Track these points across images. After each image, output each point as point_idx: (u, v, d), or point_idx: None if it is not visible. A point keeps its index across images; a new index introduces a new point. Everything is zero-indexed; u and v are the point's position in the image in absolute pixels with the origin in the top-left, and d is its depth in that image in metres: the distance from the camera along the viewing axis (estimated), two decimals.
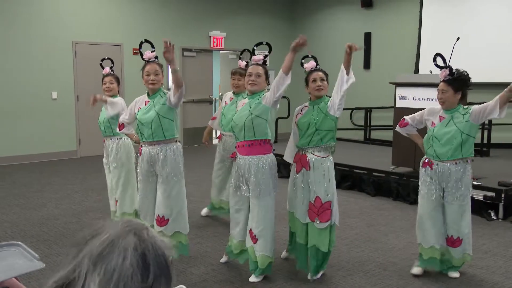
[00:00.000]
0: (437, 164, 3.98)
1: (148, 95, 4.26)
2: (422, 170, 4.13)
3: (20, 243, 1.93)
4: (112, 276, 0.83)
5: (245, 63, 5.08)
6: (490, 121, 8.42)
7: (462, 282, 3.91)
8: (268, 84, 3.98)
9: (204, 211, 5.79)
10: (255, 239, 3.83)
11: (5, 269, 1.72)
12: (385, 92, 9.83)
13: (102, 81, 5.19)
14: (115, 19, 9.99)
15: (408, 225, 5.41)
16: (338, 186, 7.06)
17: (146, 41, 4.38)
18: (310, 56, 4.13)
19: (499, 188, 5.66)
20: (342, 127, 10.52)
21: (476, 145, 8.27)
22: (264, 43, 4.16)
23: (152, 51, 4.28)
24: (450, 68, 3.88)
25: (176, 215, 4.08)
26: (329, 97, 3.94)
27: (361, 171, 7.01)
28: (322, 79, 3.91)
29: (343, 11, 11.70)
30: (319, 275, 3.96)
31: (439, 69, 3.94)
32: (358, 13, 11.33)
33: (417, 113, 4.27)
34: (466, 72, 3.95)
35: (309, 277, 3.93)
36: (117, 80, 5.26)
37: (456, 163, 3.92)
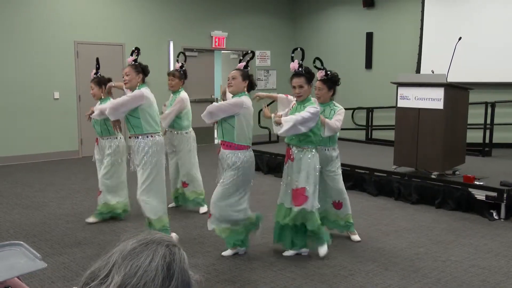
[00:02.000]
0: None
1: None
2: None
3: (22, 242, 1.94)
4: (136, 273, 0.88)
5: (181, 64, 5.88)
6: (492, 121, 8.41)
7: (464, 282, 3.91)
8: (251, 84, 4.33)
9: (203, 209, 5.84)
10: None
11: (7, 268, 1.73)
12: (386, 92, 9.83)
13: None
14: (117, 19, 10.00)
15: (410, 225, 5.41)
16: None
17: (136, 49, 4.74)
18: (298, 49, 4.40)
19: (501, 188, 5.65)
20: (344, 127, 10.48)
21: (478, 145, 8.40)
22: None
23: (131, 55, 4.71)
24: (326, 70, 4.52)
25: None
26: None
27: (363, 171, 7.00)
28: (300, 86, 4.15)
29: (344, 11, 11.69)
30: (291, 252, 4.44)
31: (317, 70, 4.56)
32: (360, 13, 11.32)
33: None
34: (337, 74, 4.61)
35: (285, 253, 4.45)
36: (98, 84, 5.47)
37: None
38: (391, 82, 7.09)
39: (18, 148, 9.02)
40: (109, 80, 5.54)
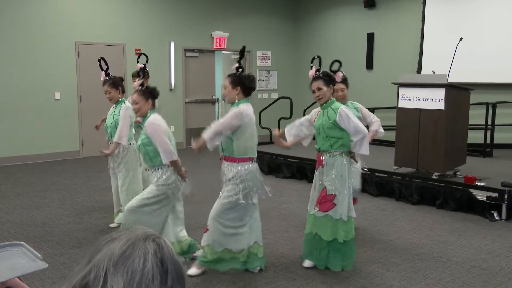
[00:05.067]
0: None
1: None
2: None
3: (23, 243, 1.94)
4: (134, 278, 0.87)
5: (143, 65, 5.37)
6: (493, 121, 8.40)
7: (465, 283, 3.90)
8: (245, 89, 3.98)
9: None
10: None
11: (8, 269, 1.73)
12: (387, 92, 9.82)
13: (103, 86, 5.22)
14: (118, 20, 10.00)
15: (411, 225, 5.40)
16: None
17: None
18: (316, 57, 4.37)
19: (502, 189, 5.65)
20: None
21: (479, 145, 8.38)
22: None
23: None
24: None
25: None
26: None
27: (364, 171, 6.99)
28: (319, 89, 4.12)
29: (345, 11, 11.69)
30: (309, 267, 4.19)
31: (334, 73, 4.37)
32: (361, 13, 11.32)
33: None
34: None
35: (304, 264, 4.22)
36: (115, 85, 5.15)
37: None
38: (392, 83, 7.09)
39: (19, 148, 9.03)
40: (122, 79, 5.35)
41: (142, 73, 4.45)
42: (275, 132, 4.32)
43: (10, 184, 7.35)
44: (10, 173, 8.18)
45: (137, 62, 5.81)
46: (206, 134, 3.86)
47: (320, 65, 4.26)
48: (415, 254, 4.54)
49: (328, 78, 4.15)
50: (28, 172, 8.24)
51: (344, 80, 4.86)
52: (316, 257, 4.17)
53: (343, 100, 4.81)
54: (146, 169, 4.27)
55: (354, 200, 4.69)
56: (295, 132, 4.43)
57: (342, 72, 4.48)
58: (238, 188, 3.88)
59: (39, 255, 1.85)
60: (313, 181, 4.29)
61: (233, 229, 3.96)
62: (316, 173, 4.22)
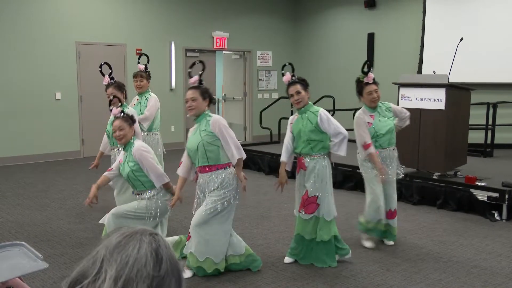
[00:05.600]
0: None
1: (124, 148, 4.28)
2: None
3: (23, 243, 1.94)
4: (127, 262, 0.90)
5: (144, 66, 5.70)
6: (493, 121, 8.40)
7: (466, 283, 3.90)
8: (210, 101, 3.95)
9: None
10: None
11: (9, 268, 1.73)
12: (388, 92, 9.77)
13: (106, 91, 5.11)
14: (119, 20, 10.01)
15: (412, 226, 5.40)
16: (341, 186, 7.09)
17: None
18: (287, 64, 4.46)
19: (502, 189, 5.64)
20: (345, 128, 10.49)
21: (479, 145, 8.39)
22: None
23: (117, 107, 4.29)
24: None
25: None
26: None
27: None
28: (298, 92, 4.18)
29: (346, 11, 11.68)
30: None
31: (366, 75, 4.54)
32: (361, 13, 11.32)
33: (362, 131, 4.60)
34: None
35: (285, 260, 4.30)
36: (119, 88, 5.13)
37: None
38: (393, 83, 7.08)
39: (20, 148, 9.03)
40: (122, 84, 5.34)
41: (120, 101, 4.50)
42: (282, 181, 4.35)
43: (10, 184, 7.36)
44: (10, 173, 8.18)
45: (138, 63, 5.88)
46: (243, 155, 3.91)
47: (293, 71, 4.32)
48: (416, 254, 4.54)
49: (304, 83, 4.24)
50: (28, 172, 8.25)
51: (375, 81, 4.64)
52: (300, 253, 4.27)
53: (378, 100, 4.61)
54: (136, 194, 4.21)
55: (393, 214, 4.70)
56: (290, 154, 4.39)
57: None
58: (226, 194, 3.85)
59: (40, 255, 1.85)
60: (296, 185, 4.36)
61: (217, 236, 3.89)
62: (297, 176, 4.31)
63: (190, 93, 3.88)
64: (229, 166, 3.92)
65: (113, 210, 4.14)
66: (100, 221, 4.41)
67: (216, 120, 3.87)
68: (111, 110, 4.29)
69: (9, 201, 6.42)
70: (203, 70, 4.07)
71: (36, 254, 1.85)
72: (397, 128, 4.90)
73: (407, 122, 5.00)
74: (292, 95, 4.22)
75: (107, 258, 0.91)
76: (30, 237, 4.98)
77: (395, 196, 4.80)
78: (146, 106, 5.61)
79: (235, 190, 3.91)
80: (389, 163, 4.71)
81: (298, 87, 4.19)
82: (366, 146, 4.58)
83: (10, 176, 7.95)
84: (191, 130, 4.01)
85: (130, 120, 4.15)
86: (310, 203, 4.15)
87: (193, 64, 4.11)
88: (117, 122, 4.10)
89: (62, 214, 5.85)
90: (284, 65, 4.47)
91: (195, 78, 3.94)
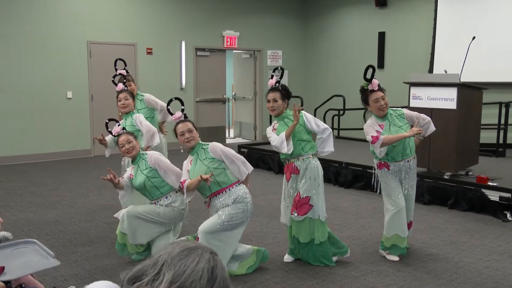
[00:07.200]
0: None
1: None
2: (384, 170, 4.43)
3: (35, 240, 1.96)
4: (185, 271, 0.99)
5: (123, 70, 5.34)
6: (506, 121, 8.31)
7: (477, 284, 3.87)
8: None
9: None
10: None
11: (21, 266, 1.75)
12: (399, 91, 9.74)
13: (117, 98, 4.98)
14: (129, 19, 10.06)
15: (423, 226, 5.37)
16: (351, 186, 7.07)
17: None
18: (279, 68, 4.50)
19: None
20: (355, 127, 10.46)
21: (491, 145, 8.30)
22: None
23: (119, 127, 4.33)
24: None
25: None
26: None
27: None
28: (275, 100, 4.16)
29: (356, 10, 11.64)
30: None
31: (369, 82, 4.44)
32: (372, 12, 11.26)
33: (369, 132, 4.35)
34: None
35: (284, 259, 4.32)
36: (132, 95, 5.06)
37: None
38: (404, 82, 7.04)
39: (32, 147, 9.12)
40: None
41: (117, 121, 4.51)
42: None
43: (23, 182, 7.43)
44: (22, 171, 8.26)
45: (115, 69, 5.43)
46: (250, 169, 4.06)
47: (281, 77, 4.34)
48: (426, 254, 4.51)
49: (285, 92, 4.22)
50: (40, 171, 8.32)
51: (381, 87, 4.42)
52: (298, 254, 4.30)
53: (386, 108, 4.32)
54: (153, 203, 4.25)
55: (409, 225, 4.46)
56: None
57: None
58: (240, 208, 3.88)
59: (52, 253, 1.86)
60: (283, 193, 4.33)
61: (225, 246, 3.88)
62: (287, 183, 4.27)
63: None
64: (239, 183, 3.97)
65: (129, 208, 4.21)
66: (115, 215, 4.44)
67: (214, 146, 3.94)
68: (118, 125, 4.38)
69: (21, 199, 6.49)
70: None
71: (48, 252, 1.86)
72: (417, 139, 4.50)
73: (431, 129, 4.55)
74: (269, 101, 4.21)
75: (167, 263, 1.00)
76: (41, 234, 5.02)
77: (413, 208, 4.55)
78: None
79: (249, 205, 3.94)
80: (404, 176, 4.35)
81: (277, 95, 4.16)
82: (374, 140, 4.16)
83: (21, 174, 8.03)
84: (186, 163, 4.01)
85: (133, 134, 4.32)
86: (302, 204, 4.12)
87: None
88: (123, 137, 4.22)
89: (73, 212, 5.90)
90: (276, 69, 4.46)
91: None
